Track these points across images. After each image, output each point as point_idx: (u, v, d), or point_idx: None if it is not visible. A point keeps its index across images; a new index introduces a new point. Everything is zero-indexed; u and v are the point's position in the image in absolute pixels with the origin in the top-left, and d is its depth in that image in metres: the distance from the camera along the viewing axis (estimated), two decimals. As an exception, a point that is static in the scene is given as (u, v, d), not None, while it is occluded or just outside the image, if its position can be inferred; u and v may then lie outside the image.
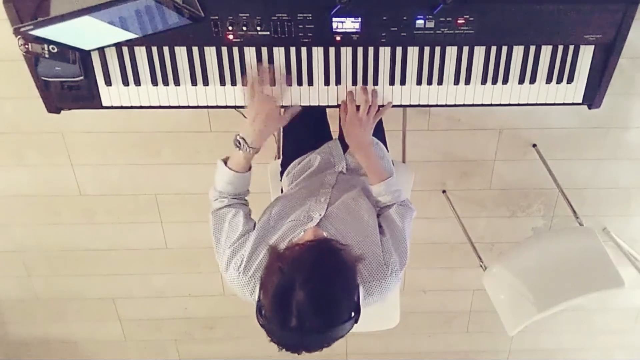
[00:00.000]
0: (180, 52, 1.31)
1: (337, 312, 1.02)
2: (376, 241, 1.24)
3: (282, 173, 1.65)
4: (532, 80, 1.38)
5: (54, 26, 1.03)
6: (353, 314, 1.05)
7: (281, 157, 1.72)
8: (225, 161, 1.33)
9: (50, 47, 1.16)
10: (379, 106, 1.38)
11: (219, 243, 1.29)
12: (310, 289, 0.97)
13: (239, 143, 1.29)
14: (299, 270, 0.98)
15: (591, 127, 2.41)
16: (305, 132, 1.61)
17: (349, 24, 1.26)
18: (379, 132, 1.62)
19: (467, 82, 1.37)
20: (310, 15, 1.24)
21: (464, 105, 1.41)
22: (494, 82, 1.37)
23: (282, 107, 1.38)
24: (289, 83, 1.34)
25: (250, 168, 1.35)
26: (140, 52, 1.31)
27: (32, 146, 2.40)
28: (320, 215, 1.28)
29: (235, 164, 1.32)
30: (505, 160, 2.50)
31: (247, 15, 1.24)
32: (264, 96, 1.29)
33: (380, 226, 1.31)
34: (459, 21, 1.26)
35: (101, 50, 1.30)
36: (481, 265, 2.19)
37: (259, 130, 1.28)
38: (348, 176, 1.49)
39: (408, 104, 1.41)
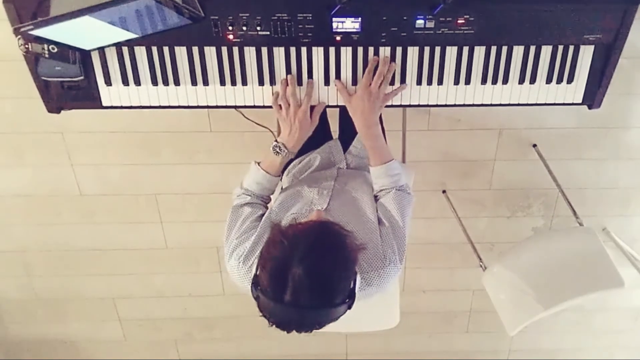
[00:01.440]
0: (180, 52, 1.31)
1: (332, 292, 1.02)
2: (375, 234, 1.24)
3: (282, 172, 1.65)
4: (532, 80, 1.38)
5: (54, 26, 1.03)
6: (348, 299, 1.05)
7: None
8: (258, 164, 1.40)
9: (50, 47, 1.17)
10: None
11: (229, 236, 1.31)
12: (308, 265, 0.98)
13: (279, 149, 1.35)
14: (299, 246, 0.99)
15: (591, 127, 2.41)
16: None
17: (349, 24, 1.26)
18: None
19: (467, 82, 1.37)
20: (310, 15, 1.24)
21: (464, 105, 1.41)
22: (494, 82, 1.37)
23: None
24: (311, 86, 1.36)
25: (280, 175, 1.41)
26: (140, 52, 1.31)
27: (32, 146, 2.40)
28: (322, 208, 1.30)
29: (268, 166, 1.38)
30: (505, 160, 2.50)
31: (247, 15, 1.24)
32: (294, 108, 1.34)
33: (378, 215, 1.31)
34: (459, 21, 1.26)
35: (101, 50, 1.30)
36: (481, 265, 2.19)
37: (298, 137, 1.35)
38: (349, 171, 1.50)
39: (408, 104, 1.41)
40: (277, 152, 1.36)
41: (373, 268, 1.19)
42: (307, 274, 0.97)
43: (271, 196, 1.44)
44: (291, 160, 1.60)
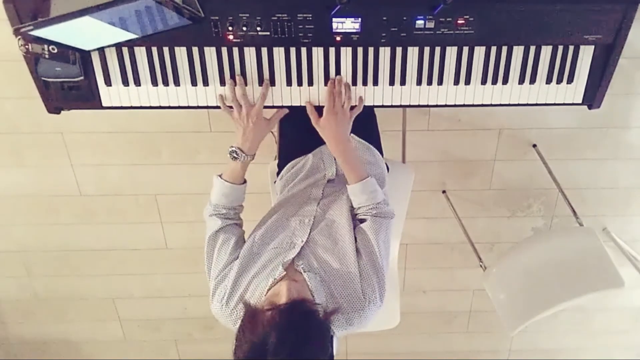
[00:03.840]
0: (180, 52, 1.31)
1: None
2: (354, 271, 1.22)
3: (278, 174, 1.64)
4: (532, 80, 1.38)
5: (54, 26, 1.03)
6: None
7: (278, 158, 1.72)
8: (220, 176, 1.38)
9: (50, 47, 1.17)
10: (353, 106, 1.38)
11: (209, 271, 1.31)
12: (283, 358, 0.96)
13: (236, 154, 1.33)
14: (270, 338, 0.97)
15: (591, 127, 2.41)
16: (302, 133, 1.61)
17: (349, 24, 1.26)
18: (372, 135, 1.61)
19: (467, 82, 1.37)
20: (310, 15, 1.24)
21: (464, 105, 1.41)
22: (494, 82, 1.37)
23: (272, 107, 1.39)
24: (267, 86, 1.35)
25: (245, 182, 1.40)
26: (140, 52, 1.31)
27: (32, 146, 2.40)
28: (302, 241, 1.27)
29: (231, 176, 1.36)
30: (505, 160, 2.50)
31: (247, 15, 1.24)
32: (247, 109, 1.33)
33: (356, 242, 1.29)
34: (459, 21, 1.26)
35: (101, 50, 1.30)
36: (481, 265, 2.19)
37: (252, 139, 1.34)
38: (335, 186, 1.48)
39: (408, 104, 1.41)
40: (235, 157, 1.34)
41: (354, 309, 1.18)
42: None
43: (243, 204, 1.42)
44: (288, 161, 1.60)
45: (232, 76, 1.34)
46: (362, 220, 1.34)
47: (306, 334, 1.01)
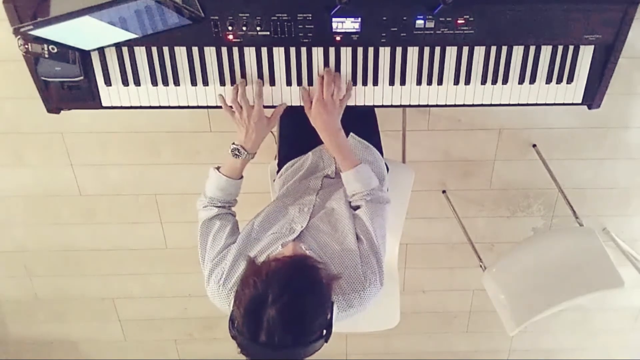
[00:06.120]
0: (180, 52, 1.32)
1: (307, 330, 1.02)
2: (355, 253, 1.24)
3: (278, 173, 1.65)
4: (532, 80, 1.38)
5: (53, 26, 1.04)
6: (324, 332, 1.05)
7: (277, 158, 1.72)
8: (217, 169, 1.39)
9: (50, 47, 1.17)
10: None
11: (203, 257, 1.30)
12: (282, 305, 0.98)
13: (238, 151, 1.34)
14: (272, 286, 0.99)
15: (591, 127, 2.41)
16: (301, 132, 1.61)
17: (349, 24, 1.26)
18: (372, 135, 1.61)
19: (467, 82, 1.37)
20: (310, 15, 1.24)
21: (464, 105, 1.41)
22: (494, 82, 1.37)
23: (272, 107, 1.39)
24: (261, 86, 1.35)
25: (242, 177, 1.40)
26: (140, 52, 1.31)
27: (32, 146, 2.40)
28: (302, 227, 1.28)
29: (229, 171, 1.37)
30: (505, 160, 2.50)
31: (247, 15, 1.24)
32: (247, 110, 1.33)
33: (356, 231, 1.30)
34: (458, 21, 1.26)
35: (101, 50, 1.30)
36: (481, 265, 2.19)
37: (254, 137, 1.34)
38: (334, 180, 1.49)
39: (408, 104, 1.41)
40: (237, 154, 1.35)
41: (354, 290, 1.19)
42: (281, 314, 0.97)
43: (237, 198, 1.43)
44: (287, 161, 1.60)
45: (233, 77, 1.34)
46: (357, 207, 1.35)
47: (307, 288, 1.03)
